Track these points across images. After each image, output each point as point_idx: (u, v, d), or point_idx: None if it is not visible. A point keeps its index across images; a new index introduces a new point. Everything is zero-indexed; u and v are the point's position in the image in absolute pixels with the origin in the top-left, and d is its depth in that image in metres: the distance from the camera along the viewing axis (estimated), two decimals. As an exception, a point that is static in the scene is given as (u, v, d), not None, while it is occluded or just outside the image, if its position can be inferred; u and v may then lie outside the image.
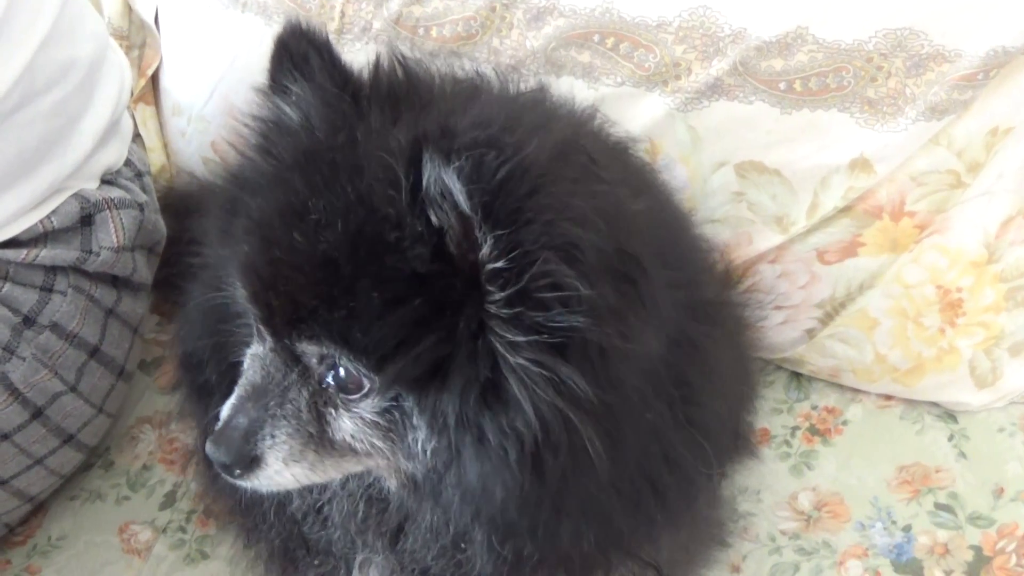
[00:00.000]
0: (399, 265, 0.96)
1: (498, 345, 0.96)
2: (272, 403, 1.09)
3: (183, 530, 1.77)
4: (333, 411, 1.08)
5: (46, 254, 1.58)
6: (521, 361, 0.96)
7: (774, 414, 1.85)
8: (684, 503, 1.22)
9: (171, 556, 1.73)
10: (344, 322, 0.98)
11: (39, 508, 1.80)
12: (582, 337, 0.95)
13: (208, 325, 1.23)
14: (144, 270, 1.77)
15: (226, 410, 1.11)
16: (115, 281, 1.71)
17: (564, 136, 1.01)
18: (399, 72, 1.14)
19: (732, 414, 1.38)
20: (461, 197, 0.89)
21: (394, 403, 1.05)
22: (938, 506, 1.67)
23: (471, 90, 1.24)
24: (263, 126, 1.16)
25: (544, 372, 0.95)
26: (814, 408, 1.86)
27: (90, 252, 1.63)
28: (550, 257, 0.91)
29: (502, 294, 0.94)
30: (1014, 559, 1.58)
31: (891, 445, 1.77)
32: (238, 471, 1.10)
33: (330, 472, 1.13)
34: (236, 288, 1.10)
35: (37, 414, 1.60)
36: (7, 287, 1.57)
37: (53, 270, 1.61)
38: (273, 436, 1.08)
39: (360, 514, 1.22)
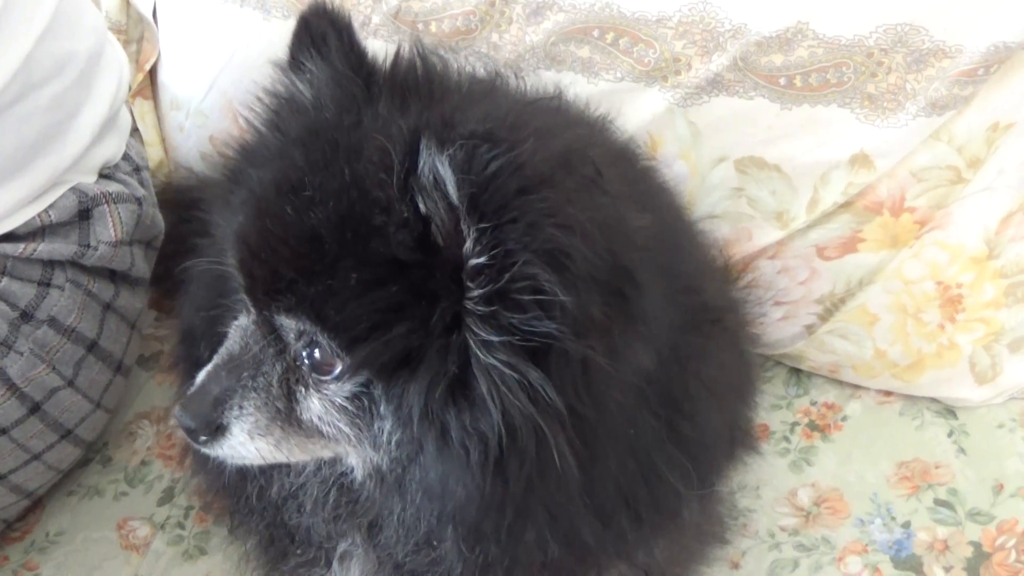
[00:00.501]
0: (381, 249, 0.96)
1: (471, 342, 0.96)
2: (245, 374, 1.10)
3: (181, 526, 1.77)
4: (303, 390, 1.09)
5: (44, 248, 1.58)
6: (492, 361, 0.95)
7: (773, 410, 1.85)
8: (662, 520, 1.21)
9: (169, 552, 1.73)
10: (320, 298, 0.99)
11: (37, 504, 1.80)
12: (563, 347, 0.94)
13: (208, 299, 1.24)
14: (142, 264, 1.77)
15: (201, 376, 1.13)
16: (113, 275, 1.71)
17: (571, 144, 1.00)
18: (418, 64, 1.15)
19: (729, 421, 1.37)
20: (451, 187, 0.90)
21: (363, 389, 1.05)
22: (937, 502, 1.67)
23: (487, 89, 1.25)
24: (276, 101, 1.18)
25: (515, 376, 0.95)
26: (813, 404, 1.86)
27: (88, 246, 1.63)
28: (531, 259, 0.90)
29: (481, 291, 0.94)
30: (1014, 555, 1.58)
31: (890, 441, 1.78)
32: (203, 438, 1.11)
33: (296, 453, 1.14)
34: (229, 257, 1.11)
35: (35, 409, 1.60)
36: (4, 281, 1.56)
37: (51, 264, 1.61)
38: (241, 407, 1.09)
39: (331, 502, 1.22)
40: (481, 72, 1.30)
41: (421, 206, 0.93)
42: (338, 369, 1.05)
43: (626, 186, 1.12)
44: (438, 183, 0.91)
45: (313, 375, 1.07)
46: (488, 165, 0.87)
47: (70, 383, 1.64)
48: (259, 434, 1.10)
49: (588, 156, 1.00)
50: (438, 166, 0.90)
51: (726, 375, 1.31)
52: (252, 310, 1.09)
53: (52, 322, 1.60)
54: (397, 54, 1.16)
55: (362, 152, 1.00)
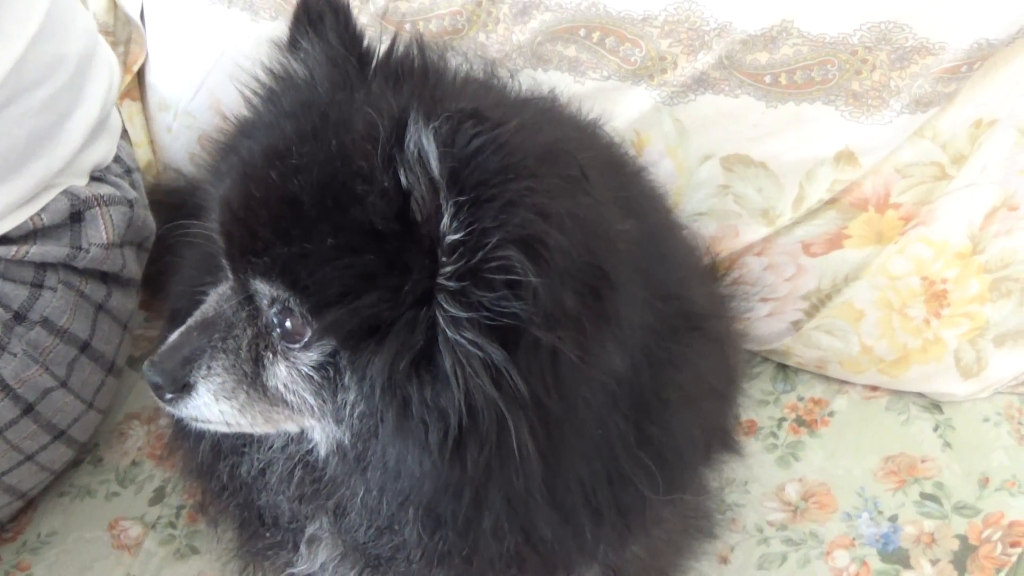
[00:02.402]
0: (359, 217, 0.97)
1: (440, 318, 0.97)
2: (216, 336, 1.11)
3: (173, 526, 1.77)
4: (271, 355, 1.10)
5: (36, 251, 1.58)
6: (459, 338, 0.96)
7: (760, 406, 1.86)
8: (627, 522, 1.21)
9: (161, 551, 1.73)
10: (295, 259, 1.00)
11: (29, 505, 1.80)
12: (532, 335, 0.95)
13: (195, 278, 1.25)
14: (133, 266, 1.77)
15: (173, 336, 1.14)
16: (105, 277, 1.71)
17: (557, 142, 1.01)
18: (415, 53, 1.17)
19: (707, 426, 1.36)
20: (433, 160, 0.91)
21: (330, 359, 1.06)
22: (924, 496, 1.68)
23: (481, 87, 1.27)
24: (273, 78, 1.19)
25: (480, 354, 0.96)
26: (800, 399, 1.87)
27: (80, 249, 1.63)
28: (505, 240, 0.91)
29: (453, 267, 0.95)
30: (1000, 548, 1.59)
31: (877, 436, 1.79)
32: (169, 396, 1.12)
33: (260, 421, 1.15)
34: (212, 221, 1.12)
35: (28, 410, 1.60)
36: (-3, 283, 1.57)
37: (43, 266, 1.61)
38: (209, 367, 1.10)
39: (296, 479, 1.23)
40: (478, 74, 1.31)
41: (403, 179, 0.95)
42: (307, 336, 1.05)
43: (612, 191, 1.13)
44: (422, 157, 0.92)
45: (282, 343, 1.08)
46: (471, 141, 0.89)
47: (63, 384, 1.65)
48: (224, 396, 1.11)
49: (574, 157, 1.00)
50: (423, 140, 0.91)
51: (704, 382, 1.30)
52: (230, 275, 1.11)
53: (45, 323, 1.60)
54: (394, 41, 1.17)
55: (351, 125, 1.01)
